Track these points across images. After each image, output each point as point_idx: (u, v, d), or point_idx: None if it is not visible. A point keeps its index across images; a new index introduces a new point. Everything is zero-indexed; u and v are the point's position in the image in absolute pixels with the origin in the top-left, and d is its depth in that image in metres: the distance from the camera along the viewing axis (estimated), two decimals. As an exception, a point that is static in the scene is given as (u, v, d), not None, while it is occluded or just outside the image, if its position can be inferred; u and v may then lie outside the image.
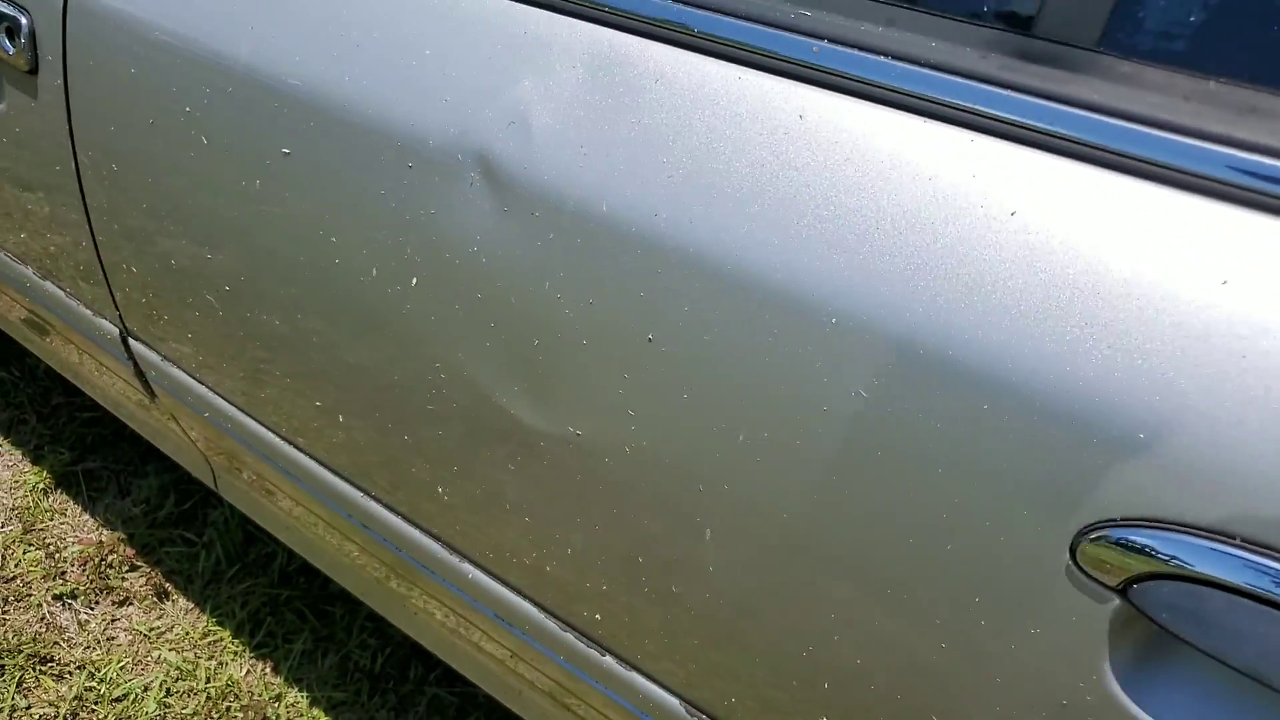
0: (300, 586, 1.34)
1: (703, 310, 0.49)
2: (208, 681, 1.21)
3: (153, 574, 1.33)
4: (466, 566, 0.71)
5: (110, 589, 1.31)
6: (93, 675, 1.20)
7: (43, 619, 1.26)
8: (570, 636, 0.67)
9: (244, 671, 1.22)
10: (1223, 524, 0.37)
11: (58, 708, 1.16)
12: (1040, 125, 0.42)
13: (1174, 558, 0.39)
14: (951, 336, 0.43)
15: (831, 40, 0.47)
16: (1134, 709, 0.42)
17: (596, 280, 0.52)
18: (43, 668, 1.20)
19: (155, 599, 1.31)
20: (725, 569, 0.54)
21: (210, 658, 1.24)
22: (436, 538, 0.71)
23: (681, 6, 0.51)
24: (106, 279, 0.82)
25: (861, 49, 0.47)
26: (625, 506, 0.56)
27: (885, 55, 0.46)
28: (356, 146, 0.59)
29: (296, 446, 0.78)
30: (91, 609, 1.28)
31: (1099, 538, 0.40)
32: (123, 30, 0.68)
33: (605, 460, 0.55)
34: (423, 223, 0.57)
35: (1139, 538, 0.39)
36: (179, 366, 0.84)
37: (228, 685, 1.20)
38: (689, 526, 0.54)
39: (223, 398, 0.81)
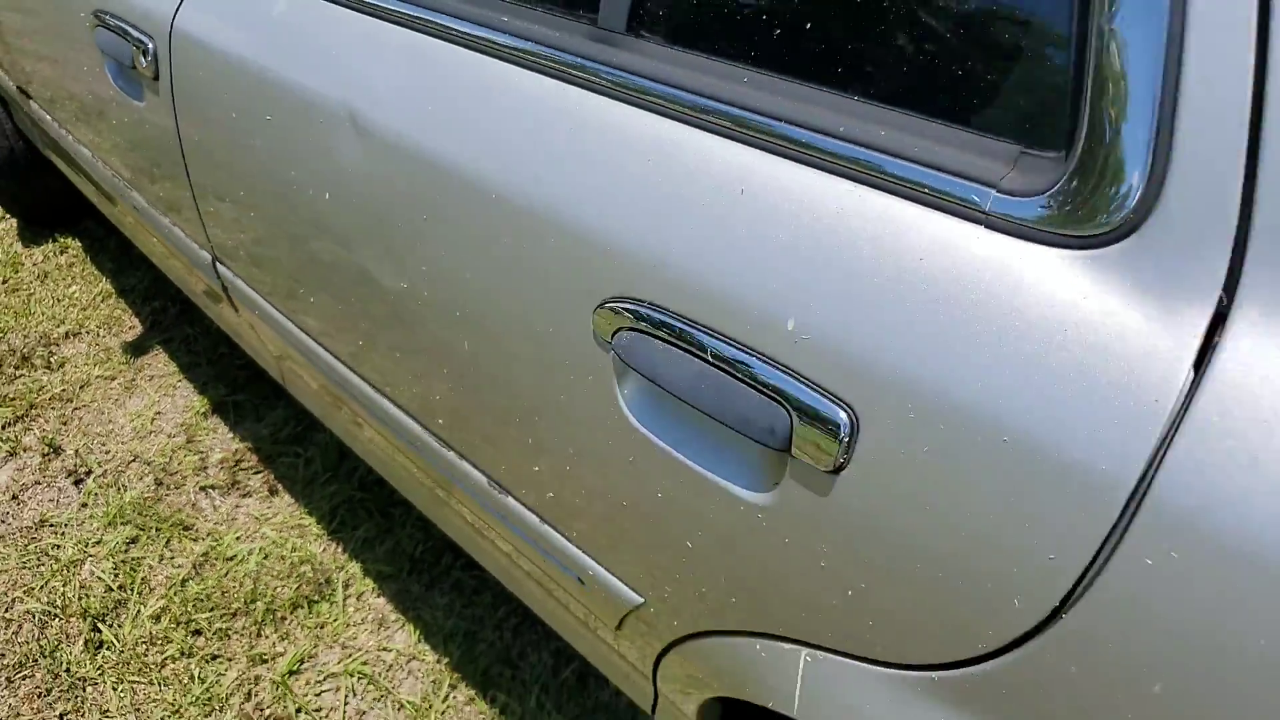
0: (374, 491, 1.70)
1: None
2: (293, 551, 1.58)
3: (269, 476, 1.74)
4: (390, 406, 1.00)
5: (238, 484, 1.72)
6: (217, 541, 1.60)
7: (190, 502, 1.69)
8: (432, 440, 0.94)
9: (320, 548, 1.59)
10: (653, 296, 0.60)
11: (190, 557, 1.57)
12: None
13: (634, 316, 0.61)
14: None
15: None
16: (632, 420, 0.64)
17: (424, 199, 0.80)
18: (185, 532, 1.62)
19: (268, 494, 1.70)
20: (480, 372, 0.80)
21: (299, 536, 1.61)
22: (373, 386, 1.01)
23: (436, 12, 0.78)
24: (202, 221, 1.19)
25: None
26: (442, 336, 0.84)
27: None
28: (298, 116, 0.90)
29: (318, 341, 1.10)
30: (224, 497, 1.70)
31: (601, 307, 0.63)
32: (202, 49, 1.04)
33: (432, 309, 0.83)
34: (331, 161, 0.88)
35: (616, 305, 0.62)
36: (247, 284, 1.20)
37: (306, 556, 1.57)
38: (457, 345, 0.79)
39: (266, 300, 1.16)
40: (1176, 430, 0.41)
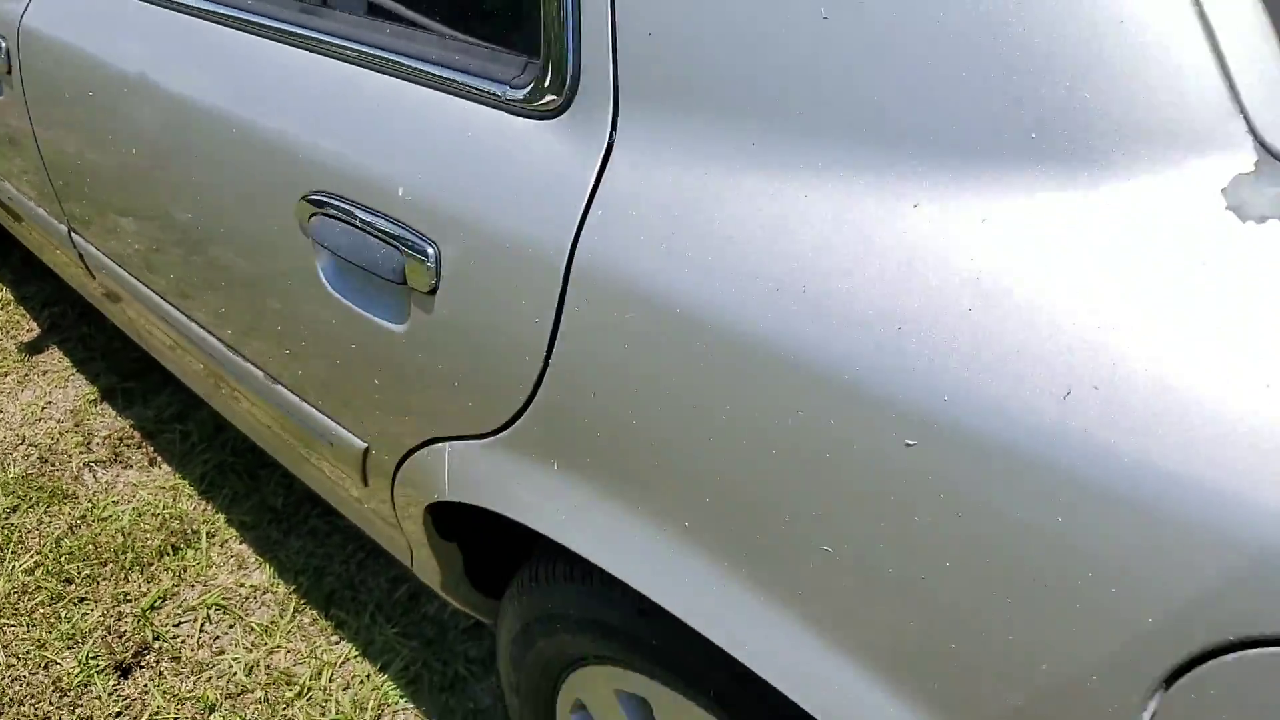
0: (245, 456, 1.87)
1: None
2: (164, 509, 1.75)
3: (149, 450, 1.91)
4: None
5: (120, 458, 1.89)
6: (94, 505, 1.77)
7: (73, 475, 1.85)
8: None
9: (191, 506, 1.76)
10: (326, 186, 0.81)
11: (67, 520, 1.73)
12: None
13: (318, 205, 0.82)
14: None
15: None
16: (329, 288, 0.85)
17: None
18: (64, 500, 1.79)
19: (148, 465, 1.88)
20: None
21: (172, 498, 1.78)
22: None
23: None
24: (56, 196, 1.39)
25: None
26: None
27: None
28: (110, 89, 1.10)
29: (147, 285, 1.29)
30: (106, 470, 1.87)
31: (300, 200, 0.84)
32: (43, 42, 1.24)
33: (200, 226, 1.03)
34: (131, 122, 1.08)
35: (308, 197, 0.83)
36: (93, 246, 1.39)
37: (177, 513, 1.74)
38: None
39: (105, 255, 1.35)
40: (585, 218, 0.63)
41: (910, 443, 0.50)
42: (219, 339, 1.14)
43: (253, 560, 1.66)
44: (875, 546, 0.53)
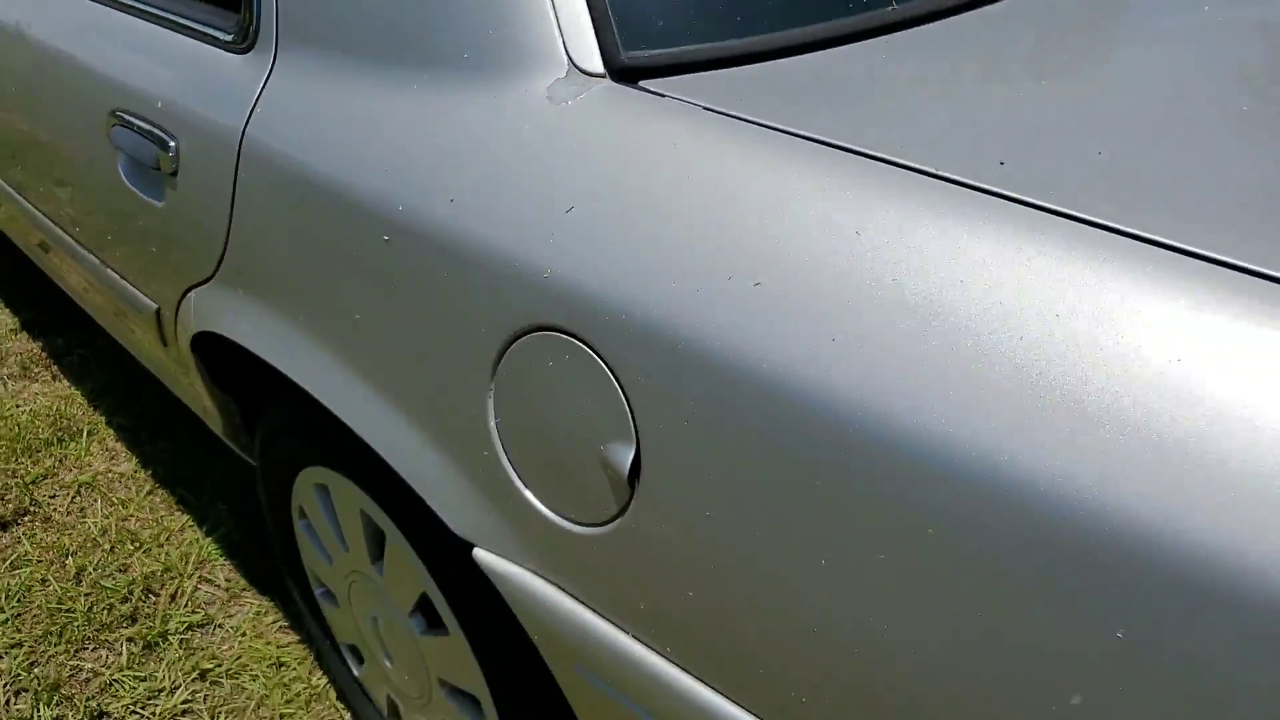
0: (131, 377, 2.19)
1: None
2: (57, 411, 2.06)
3: (55, 370, 2.22)
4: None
5: (27, 374, 2.21)
6: (1, 406, 2.08)
7: (-15, 384, 2.16)
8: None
9: (80, 411, 2.08)
10: (121, 105, 1.15)
11: (-28, 415, 2.04)
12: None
13: (117, 119, 1.15)
14: None
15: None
16: (125, 181, 1.18)
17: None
18: (-26, 401, 2.10)
19: (50, 380, 2.19)
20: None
21: (66, 405, 2.10)
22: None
23: None
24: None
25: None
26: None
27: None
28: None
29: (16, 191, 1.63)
30: (16, 383, 2.18)
31: (108, 114, 1.18)
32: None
33: (39, 134, 1.37)
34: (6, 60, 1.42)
35: (117, 112, 1.16)
36: None
37: (67, 415, 2.05)
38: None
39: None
40: (250, 117, 0.97)
41: (386, 238, 0.83)
42: (65, 231, 1.47)
43: (123, 454, 1.97)
44: (378, 311, 0.86)
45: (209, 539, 1.75)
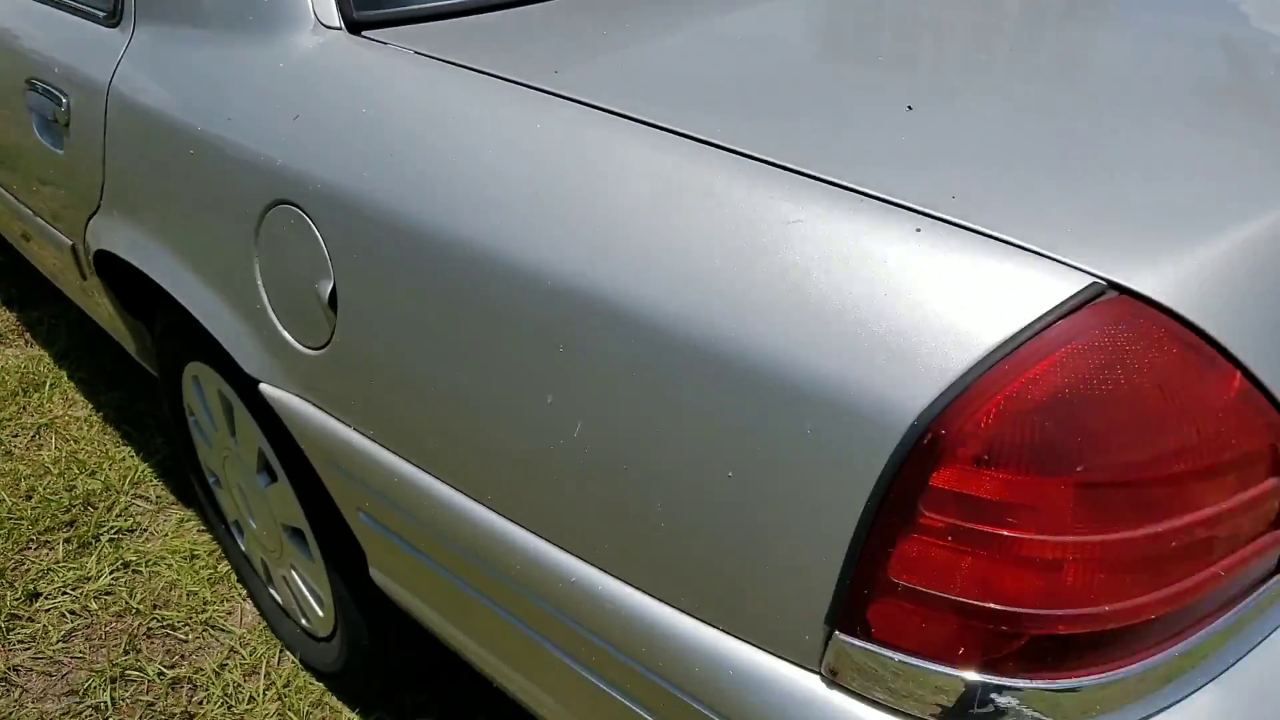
0: (92, 339, 2.50)
1: None
2: (24, 368, 2.37)
3: (28, 337, 2.54)
4: None
5: (2, 339, 2.52)
6: (-24, 366, 2.40)
7: (-33, 349, 2.48)
8: None
9: (45, 368, 2.38)
10: (30, 74, 1.45)
11: (-48, 372, 2.36)
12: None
13: (30, 85, 1.45)
14: None
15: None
16: (36, 134, 1.48)
17: None
18: (-45, 362, 2.42)
19: (23, 345, 2.51)
20: None
21: (34, 363, 2.41)
22: None
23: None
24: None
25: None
26: None
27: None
28: None
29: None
30: (-8, 347, 2.50)
31: (24, 83, 1.48)
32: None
33: None
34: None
35: (30, 79, 1.46)
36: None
37: (33, 370, 2.36)
38: None
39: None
40: (114, 73, 1.26)
41: (191, 151, 1.11)
42: (12, 195, 1.78)
43: (80, 402, 2.27)
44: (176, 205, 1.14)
45: (145, 464, 2.05)
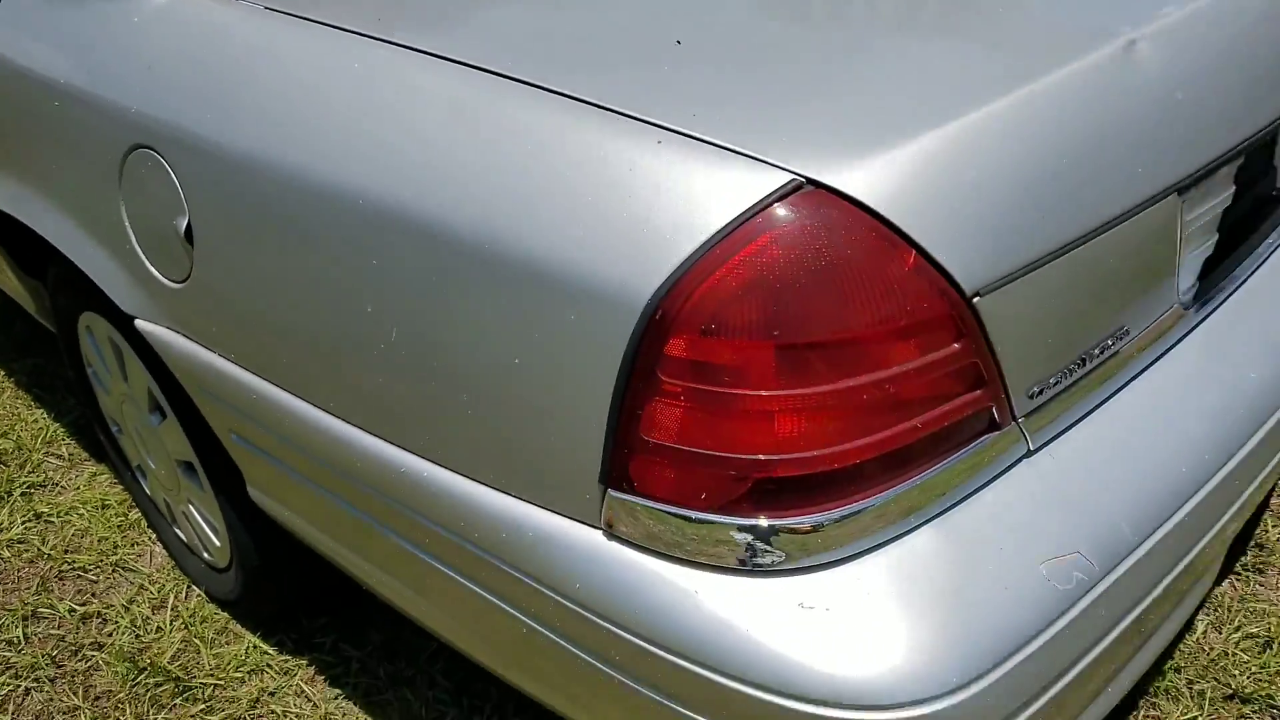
0: (48, 343, 2.55)
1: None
2: (-62, 340, 2.42)
3: (-60, 308, 2.58)
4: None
5: (-84, 313, 2.56)
6: (-111, 339, 2.44)
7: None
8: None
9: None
10: None
11: None
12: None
13: None
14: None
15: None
16: None
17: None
18: None
19: (-64, 318, 2.54)
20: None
21: (-53, 335, 2.45)
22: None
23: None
24: None
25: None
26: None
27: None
28: None
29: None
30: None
31: None
32: None
33: None
34: None
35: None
36: None
37: (-53, 342, 2.41)
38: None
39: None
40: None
41: (56, 103, 1.19)
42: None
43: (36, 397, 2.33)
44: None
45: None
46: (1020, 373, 0.86)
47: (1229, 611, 1.58)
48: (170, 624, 1.62)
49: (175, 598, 1.67)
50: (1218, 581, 1.64)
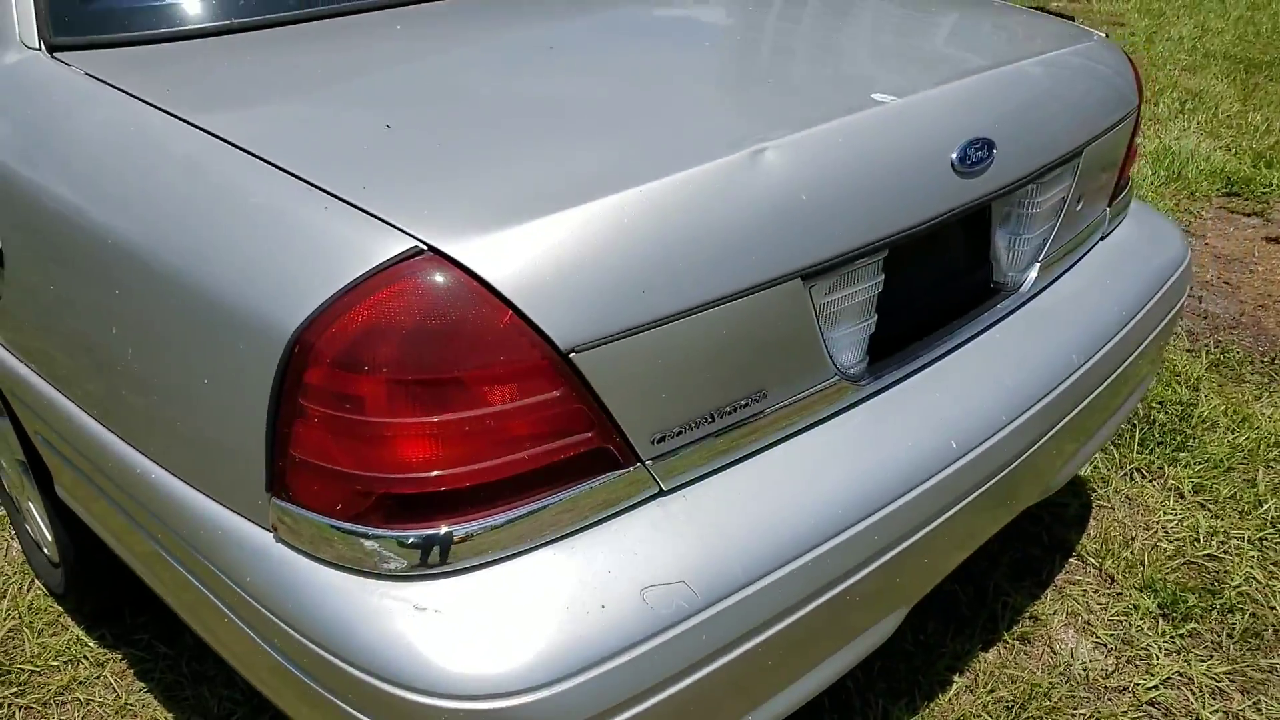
0: None
1: None
2: None
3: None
4: None
5: None
6: None
7: None
8: None
9: None
10: None
11: None
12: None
13: None
14: None
15: None
16: None
17: None
18: None
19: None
20: None
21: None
22: None
23: None
24: None
25: None
26: None
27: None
28: None
29: None
30: None
31: None
32: None
33: None
34: None
35: None
36: None
37: None
38: None
39: None
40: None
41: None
42: None
43: None
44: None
45: None
46: (638, 421, 1.01)
47: (987, 676, 1.69)
48: (5, 613, 1.76)
49: (17, 590, 1.81)
50: (984, 647, 1.75)
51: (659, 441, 1.03)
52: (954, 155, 1.22)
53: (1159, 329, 1.65)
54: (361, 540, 0.95)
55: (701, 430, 1.06)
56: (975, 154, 1.24)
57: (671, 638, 0.99)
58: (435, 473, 0.94)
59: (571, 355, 0.94)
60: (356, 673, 0.94)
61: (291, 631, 0.98)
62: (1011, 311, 1.45)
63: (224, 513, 1.04)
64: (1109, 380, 1.51)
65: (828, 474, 1.14)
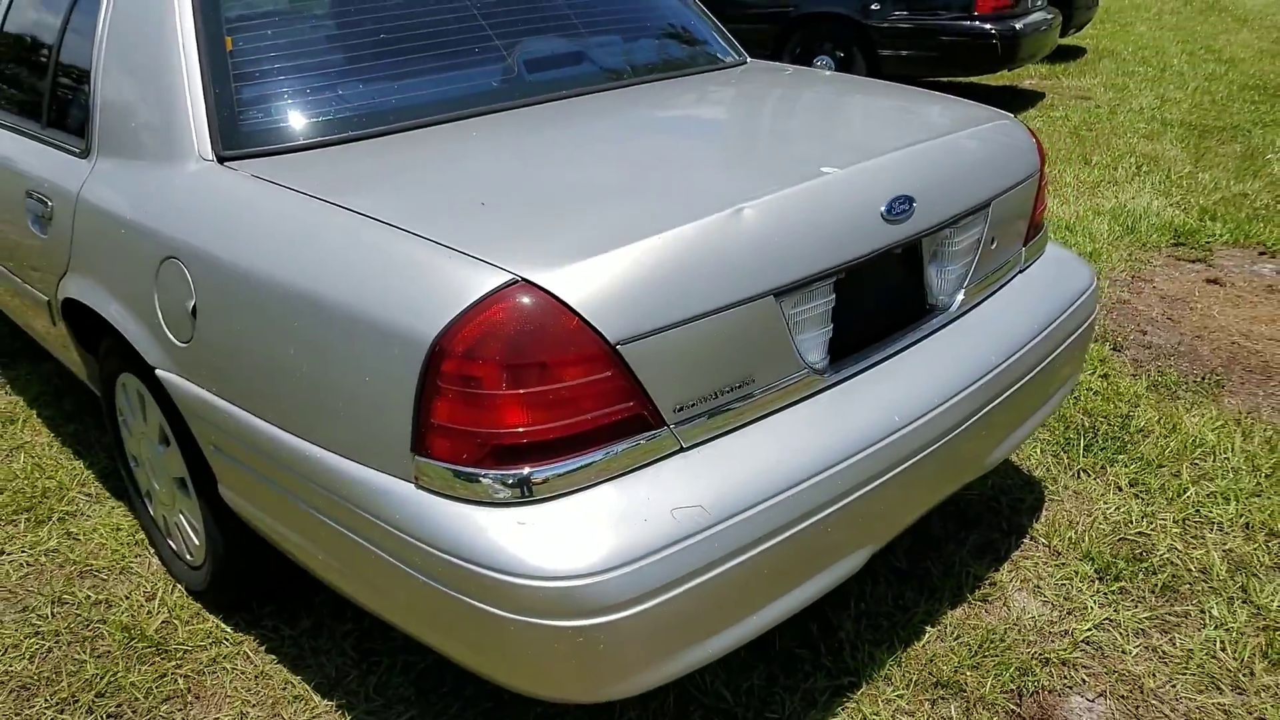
0: (55, 375, 3.21)
1: None
2: (11, 382, 3.08)
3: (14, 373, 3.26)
4: None
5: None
6: (-35, 409, 3.11)
7: (-42, 398, 3.20)
8: None
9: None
10: None
11: (-54, 412, 3.07)
12: None
13: (27, 191, 2.22)
14: None
15: None
16: (31, 228, 2.25)
17: None
18: (-51, 406, 3.13)
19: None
20: None
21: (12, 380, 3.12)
22: None
23: None
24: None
25: None
26: None
27: None
28: None
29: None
30: (-22, 396, 3.21)
31: (25, 193, 2.25)
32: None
33: None
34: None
35: (28, 190, 2.23)
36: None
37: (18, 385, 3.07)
38: None
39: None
40: (82, 187, 2.04)
41: (123, 230, 1.88)
42: (9, 270, 2.54)
43: (45, 431, 2.98)
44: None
45: (89, 471, 2.74)
46: (665, 395, 1.46)
47: (954, 627, 2.09)
48: (157, 608, 2.19)
49: (163, 591, 2.24)
50: (952, 606, 2.15)
51: (679, 410, 1.49)
52: (883, 208, 1.70)
53: (1070, 340, 2.10)
54: (480, 479, 1.40)
55: (709, 405, 1.52)
56: (899, 206, 1.72)
57: (693, 543, 1.42)
58: (529, 428, 1.39)
59: (618, 346, 1.40)
60: (479, 569, 1.38)
61: (430, 549, 1.42)
62: (943, 326, 1.91)
63: (376, 475, 1.49)
64: (1026, 378, 1.96)
65: (802, 437, 1.59)
